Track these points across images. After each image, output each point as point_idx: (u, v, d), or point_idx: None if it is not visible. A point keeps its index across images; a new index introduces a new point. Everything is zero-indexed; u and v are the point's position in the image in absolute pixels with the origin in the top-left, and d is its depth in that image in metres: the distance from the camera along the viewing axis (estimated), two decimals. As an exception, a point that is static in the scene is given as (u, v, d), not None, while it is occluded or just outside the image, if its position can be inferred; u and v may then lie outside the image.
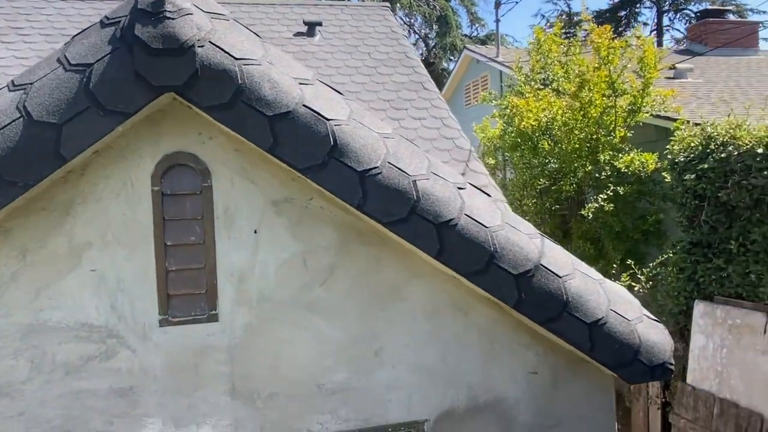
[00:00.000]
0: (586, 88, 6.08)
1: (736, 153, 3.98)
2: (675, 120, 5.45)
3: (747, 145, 3.91)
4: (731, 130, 4.16)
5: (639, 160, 5.67)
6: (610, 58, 6.05)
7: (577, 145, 6.09)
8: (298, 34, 7.78)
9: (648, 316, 2.59)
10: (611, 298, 2.50)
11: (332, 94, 2.31)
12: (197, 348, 2.25)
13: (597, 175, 6.06)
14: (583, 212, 5.82)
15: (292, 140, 2.14)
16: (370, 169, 2.20)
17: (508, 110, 6.91)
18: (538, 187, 6.83)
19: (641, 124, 6.37)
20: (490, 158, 8.15)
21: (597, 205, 5.69)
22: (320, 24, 7.82)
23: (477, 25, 27.65)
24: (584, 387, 2.62)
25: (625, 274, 5.29)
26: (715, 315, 4.11)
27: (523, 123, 6.43)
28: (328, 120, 2.17)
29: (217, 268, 2.26)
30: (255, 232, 2.30)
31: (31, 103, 1.95)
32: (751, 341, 3.78)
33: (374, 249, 2.40)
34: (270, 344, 2.32)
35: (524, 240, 2.40)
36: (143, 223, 2.20)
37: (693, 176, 4.23)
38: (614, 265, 5.54)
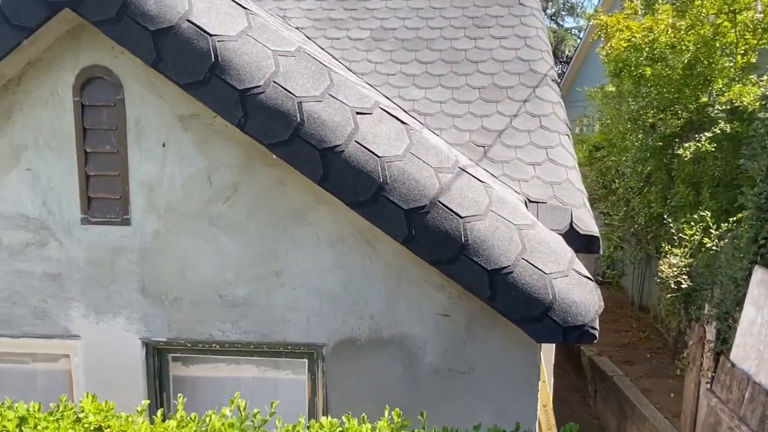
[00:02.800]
0: (698, 1, 5.00)
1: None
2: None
3: None
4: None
5: (750, 93, 4.59)
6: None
7: (685, 72, 5.12)
8: (402, -55, 7.43)
9: (579, 272, 2.27)
10: (529, 246, 2.23)
11: (231, 8, 2.26)
12: (112, 247, 2.48)
13: (709, 108, 5.11)
14: (680, 152, 5.00)
15: (175, 55, 2.16)
16: (252, 87, 2.15)
17: (598, 31, 5.99)
18: (648, 121, 5.96)
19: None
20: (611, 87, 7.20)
21: (696, 144, 4.84)
22: (424, -66, 7.37)
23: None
24: (501, 338, 2.42)
25: (688, 228, 4.51)
26: (768, 285, 3.38)
27: (611, 43, 5.54)
28: (211, 35, 2.15)
29: (129, 177, 2.43)
30: (163, 145, 2.41)
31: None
32: None
33: (278, 171, 2.37)
34: (176, 251, 2.47)
35: (425, 174, 2.21)
36: (67, 130, 2.42)
37: (760, 115, 3.36)
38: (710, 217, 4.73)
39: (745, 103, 4.66)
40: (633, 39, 5.51)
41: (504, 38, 5.56)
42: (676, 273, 4.36)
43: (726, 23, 5.20)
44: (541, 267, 2.21)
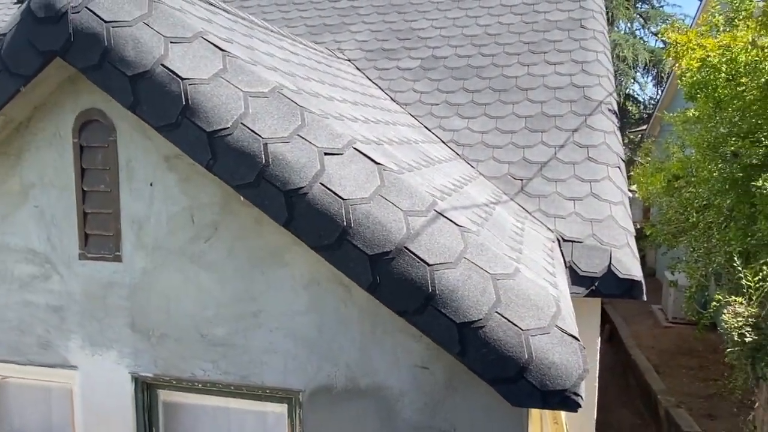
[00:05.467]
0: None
1: None
2: None
3: None
4: None
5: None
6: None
7: (764, 94, 4.54)
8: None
9: (562, 330, 2.03)
10: (505, 299, 2.03)
11: (209, 51, 2.28)
12: (106, 282, 2.56)
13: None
14: (757, 183, 4.44)
15: (150, 99, 2.21)
16: (220, 129, 2.15)
17: (669, 49, 5.47)
18: (729, 149, 5.38)
19: None
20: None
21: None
22: (489, -40, 7.24)
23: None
24: (484, 395, 2.21)
25: (750, 273, 3.92)
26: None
27: (681, 63, 5.02)
28: (182, 79, 2.18)
29: (121, 215, 2.51)
30: (151, 184, 2.47)
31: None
32: None
33: (255, 211, 2.33)
34: (162, 288, 2.51)
35: (393, 217, 2.09)
36: (68, 169, 2.54)
37: None
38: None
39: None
40: (707, 58, 5.02)
41: (560, 63, 5.30)
42: (741, 323, 3.84)
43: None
44: (517, 322, 2.00)
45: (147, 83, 2.20)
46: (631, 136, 20.07)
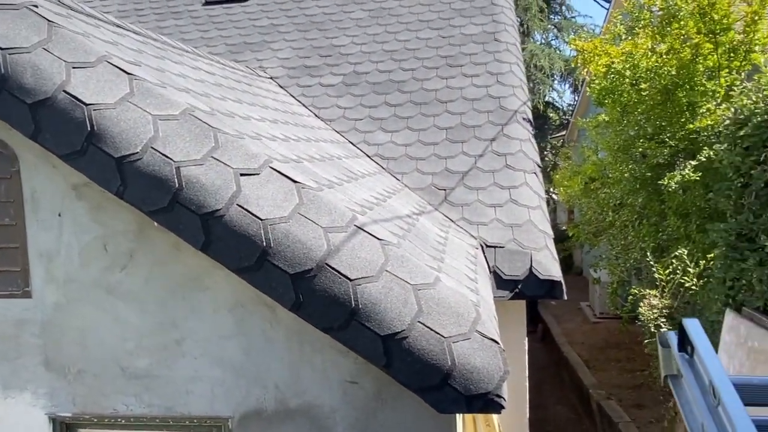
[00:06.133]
0: (676, 23, 4.79)
1: (776, 116, 2.84)
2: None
3: None
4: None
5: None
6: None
7: (664, 97, 4.89)
8: (385, -11, 7.49)
9: (482, 334, 2.09)
10: (426, 308, 2.07)
11: (114, 75, 2.22)
12: (16, 320, 2.43)
13: (695, 135, 4.86)
14: (663, 182, 4.74)
15: (52, 127, 2.13)
16: (129, 155, 2.10)
17: (577, 56, 5.82)
18: (638, 150, 5.73)
19: (762, 66, 4.82)
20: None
21: (681, 174, 4.58)
22: (405, -24, 7.42)
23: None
24: (413, 405, 2.24)
25: (660, 267, 4.23)
26: (739, 331, 3.08)
27: (589, 68, 5.35)
28: (86, 105, 2.11)
29: (28, 249, 2.39)
30: (59, 215, 2.37)
31: None
32: (765, 372, 2.76)
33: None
34: (77, 323, 2.40)
35: (313, 235, 2.09)
36: (-32, 203, 2.40)
37: (725, 146, 3.12)
38: (694, 252, 4.44)
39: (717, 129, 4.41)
40: (612, 64, 5.34)
41: (476, 76, 5.48)
42: (656, 315, 4.08)
43: (708, 45, 4.99)
44: (440, 330, 2.05)
45: (48, 111, 2.12)
46: (553, 142, 20.96)
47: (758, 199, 3.16)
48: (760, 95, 3.19)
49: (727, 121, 3.50)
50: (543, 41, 19.35)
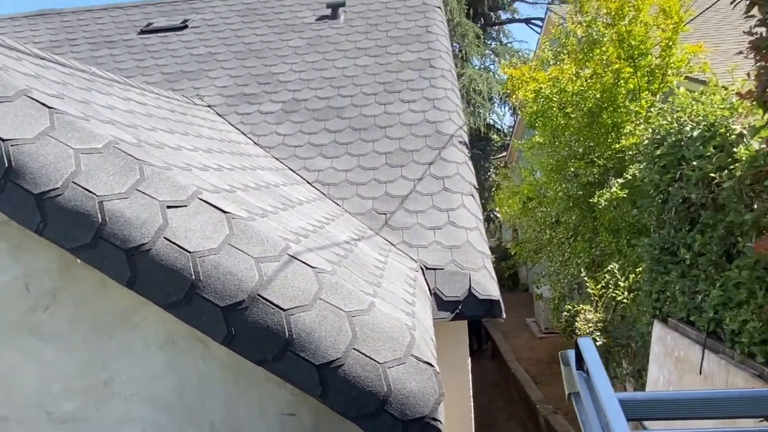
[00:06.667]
0: (597, 49, 5.08)
1: (687, 136, 3.04)
2: (705, 83, 4.35)
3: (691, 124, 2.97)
4: (690, 104, 3.18)
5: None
6: (623, 11, 4.94)
7: (590, 119, 5.16)
8: (323, 17, 7.59)
9: (417, 358, 2.11)
10: (361, 335, 2.08)
11: (34, 109, 2.16)
12: (-73, 369, 2.28)
13: (621, 154, 5.12)
14: (593, 200, 4.96)
15: (-35, 164, 2.04)
16: (49, 190, 2.03)
17: (508, 83, 6.10)
18: (570, 170, 5.97)
19: (675, 89, 5.16)
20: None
21: (609, 191, 4.81)
22: (343, 5, 7.56)
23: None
24: (352, 434, 2.22)
25: (592, 282, 4.42)
26: (666, 342, 3.24)
27: (518, 94, 5.60)
28: (3, 141, 2.04)
29: (-59, 291, 2.26)
30: (-25, 255, 2.25)
31: None
32: (690, 381, 2.91)
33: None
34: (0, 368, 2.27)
35: (244, 266, 2.07)
36: None
37: (645, 165, 3.33)
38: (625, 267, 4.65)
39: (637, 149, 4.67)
40: (541, 90, 5.58)
41: (413, 101, 5.60)
42: (591, 329, 4.22)
43: (628, 69, 5.29)
44: (374, 356, 2.05)
45: (-40, 147, 2.03)
46: (495, 163, 21.52)
47: (677, 214, 3.34)
48: (675, 116, 3.41)
49: (646, 141, 3.71)
50: (481, 66, 19.98)
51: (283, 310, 2.04)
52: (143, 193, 2.11)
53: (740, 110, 2.96)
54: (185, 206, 2.15)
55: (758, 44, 2.14)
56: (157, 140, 2.83)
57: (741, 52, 2.12)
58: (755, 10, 2.14)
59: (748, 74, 2.34)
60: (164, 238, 2.04)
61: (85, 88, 3.07)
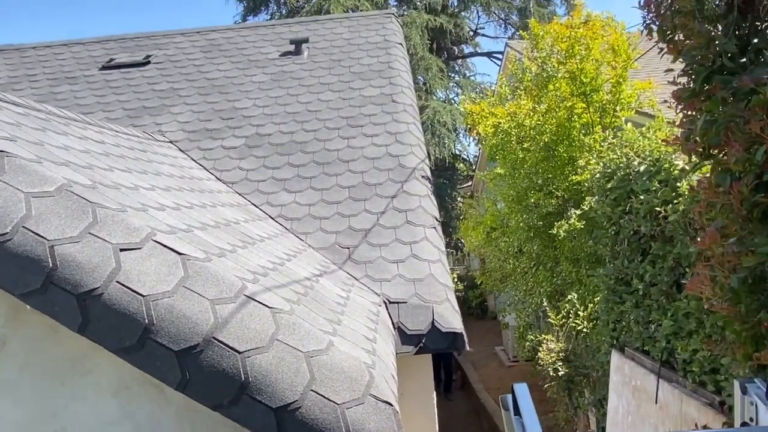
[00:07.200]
0: (552, 85, 5.29)
1: (635, 171, 3.19)
2: (654, 117, 4.56)
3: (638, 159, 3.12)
4: (637, 139, 3.34)
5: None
6: (574, 49, 5.19)
7: (546, 153, 5.33)
8: (286, 53, 7.68)
9: (376, 397, 2.11)
10: (319, 375, 2.07)
11: (-17, 154, 2.13)
12: None
13: (578, 186, 5.28)
14: (553, 231, 5.08)
15: None
16: (-3, 236, 1.99)
17: (468, 118, 6.28)
18: (531, 201, 6.11)
19: (623, 125, 5.40)
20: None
21: (568, 222, 4.94)
22: (306, 41, 7.67)
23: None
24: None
25: (553, 313, 4.52)
26: (624, 371, 3.32)
27: (478, 128, 5.77)
28: (-51, 186, 2.00)
29: None
30: None
31: None
32: (647, 411, 2.98)
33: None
34: (-61, 421, 2.18)
35: (199, 308, 2.05)
36: None
37: (597, 197, 3.46)
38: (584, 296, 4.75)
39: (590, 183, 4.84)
40: (500, 124, 5.73)
41: (376, 135, 5.67)
42: (554, 359, 4.28)
43: (581, 104, 5.49)
44: (333, 397, 2.04)
45: None
46: (462, 192, 21.81)
47: (629, 245, 3.45)
48: (624, 151, 3.55)
49: (598, 175, 3.85)
50: (445, 98, 20.39)
51: (239, 352, 2.02)
52: (96, 236, 2.08)
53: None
54: (139, 249, 2.13)
55: (680, 95, 2.27)
56: (113, 180, 2.81)
57: (666, 101, 2.25)
58: (680, 60, 2.28)
59: (673, 122, 2.47)
60: (117, 282, 2.02)
61: (40, 128, 3.04)
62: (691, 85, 2.23)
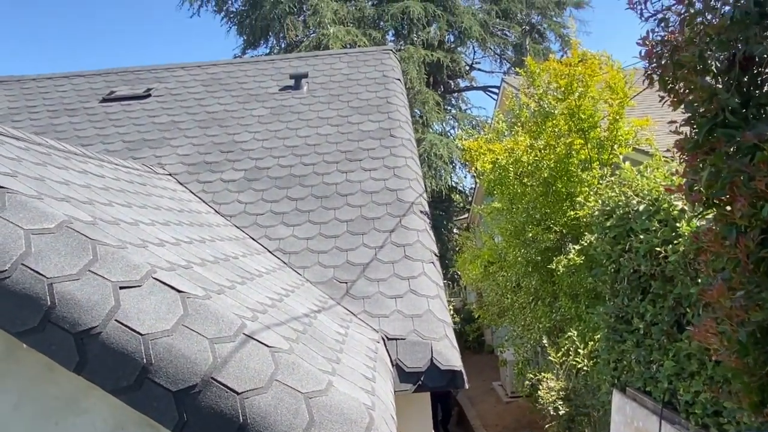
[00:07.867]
0: (550, 122, 5.37)
1: (634, 210, 3.21)
2: (651, 156, 4.62)
3: (636, 199, 3.14)
4: (635, 178, 3.37)
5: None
6: (572, 87, 5.28)
7: (545, 189, 5.37)
8: (286, 88, 7.78)
9: (376, 439, 2.07)
10: (318, 417, 2.03)
11: (-16, 190, 2.13)
12: None
13: (576, 221, 5.31)
14: (551, 266, 5.09)
15: None
16: (-4, 273, 1.97)
17: (465, 154, 6.34)
18: (529, 235, 6.12)
19: (620, 162, 5.46)
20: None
21: (567, 258, 4.94)
22: (306, 76, 7.77)
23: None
24: None
25: (553, 351, 4.49)
26: (625, 411, 3.28)
27: (476, 165, 5.83)
28: (-50, 222, 1.99)
29: None
30: None
31: None
32: None
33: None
34: (-73, 463, 2.13)
35: (198, 347, 2.03)
36: None
37: (597, 235, 3.47)
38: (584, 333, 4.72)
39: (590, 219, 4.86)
40: (498, 160, 5.78)
41: (374, 170, 5.71)
42: (554, 397, 4.22)
43: (579, 140, 5.55)
44: (332, 440, 2.00)
45: None
46: (459, 224, 21.84)
47: (629, 284, 3.45)
48: (622, 189, 3.58)
49: (597, 212, 3.87)
50: (442, 131, 20.60)
51: (238, 393, 1.99)
52: (95, 273, 2.07)
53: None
54: (139, 286, 2.11)
55: (683, 145, 2.31)
56: (113, 216, 2.81)
57: (668, 150, 2.29)
58: (681, 109, 2.32)
59: (677, 171, 2.49)
60: (116, 320, 2.00)
61: (40, 162, 3.04)
62: (695, 137, 2.26)
